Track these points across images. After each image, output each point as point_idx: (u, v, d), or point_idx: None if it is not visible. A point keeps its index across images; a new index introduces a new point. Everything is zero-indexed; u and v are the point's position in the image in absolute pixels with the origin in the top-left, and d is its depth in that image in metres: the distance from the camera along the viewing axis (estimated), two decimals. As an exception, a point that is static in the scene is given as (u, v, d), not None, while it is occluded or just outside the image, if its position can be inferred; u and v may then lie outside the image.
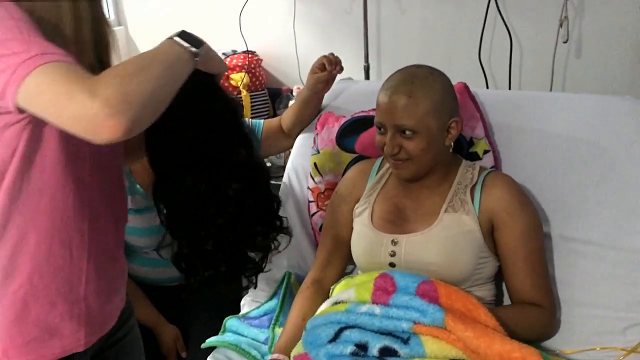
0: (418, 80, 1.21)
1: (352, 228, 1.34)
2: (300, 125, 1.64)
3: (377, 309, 1.13)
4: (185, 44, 0.95)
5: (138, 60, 0.88)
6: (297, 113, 1.62)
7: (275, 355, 1.23)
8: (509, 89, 1.91)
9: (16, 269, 0.98)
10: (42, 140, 0.92)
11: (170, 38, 0.95)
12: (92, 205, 1.02)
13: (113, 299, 1.11)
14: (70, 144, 0.94)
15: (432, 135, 1.20)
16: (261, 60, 2.34)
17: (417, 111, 1.18)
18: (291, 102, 2.16)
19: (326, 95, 1.65)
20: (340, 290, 1.23)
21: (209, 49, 1.01)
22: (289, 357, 1.20)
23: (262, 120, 1.65)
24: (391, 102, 1.19)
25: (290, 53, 2.27)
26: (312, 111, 1.63)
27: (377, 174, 1.38)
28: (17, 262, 0.98)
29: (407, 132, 1.19)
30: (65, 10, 0.92)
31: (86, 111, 0.78)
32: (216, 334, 1.39)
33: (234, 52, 2.30)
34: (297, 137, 1.65)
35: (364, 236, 1.29)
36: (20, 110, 0.84)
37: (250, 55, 2.29)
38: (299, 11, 2.21)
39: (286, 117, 1.64)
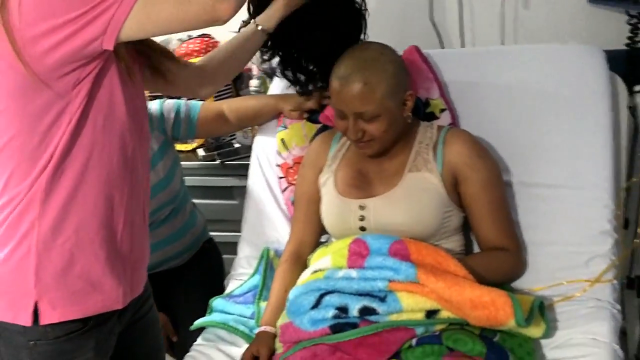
0: (370, 64, 1.23)
1: (320, 198, 1.38)
2: (251, 123, 1.65)
3: (354, 273, 1.18)
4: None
5: None
6: (254, 115, 1.60)
7: (262, 328, 1.28)
8: (462, 46, 1.95)
9: (65, 220, 1.06)
10: (96, 98, 1.03)
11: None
12: (131, 164, 1.11)
13: (141, 266, 1.20)
14: (117, 103, 1.06)
15: (391, 114, 1.24)
16: (217, 42, 2.34)
17: (375, 96, 1.21)
18: (252, 82, 2.17)
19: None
20: (318, 259, 1.28)
21: None
22: (276, 327, 1.25)
23: (200, 104, 1.61)
24: (348, 91, 1.21)
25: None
26: (271, 118, 1.62)
27: (338, 142, 1.42)
28: (67, 214, 1.06)
29: (368, 117, 1.23)
30: None
31: (205, 6, 0.96)
32: (203, 315, 1.43)
33: (189, 37, 2.29)
34: (242, 127, 1.65)
35: (332, 204, 1.34)
36: (98, 56, 0.99)
37: (206, 39, 2.28)
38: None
39: (236, 108, 1.60)
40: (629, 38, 1.79)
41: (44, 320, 1.07)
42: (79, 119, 1.03)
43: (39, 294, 1.07)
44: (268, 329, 1.27)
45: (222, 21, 0.99)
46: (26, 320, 1.07)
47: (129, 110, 1.09)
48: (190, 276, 1.65)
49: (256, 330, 1.29)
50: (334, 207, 1.33)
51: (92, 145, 1.06)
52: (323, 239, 1.47)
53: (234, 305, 1.44)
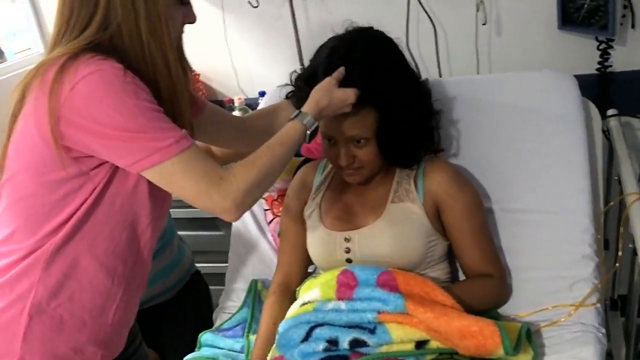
0: None
1: (305, 229, 1.40)
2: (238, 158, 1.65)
3: (343, 305, 1.19)
4: (305, 120, 1.13)
5: (270, 159, 1.08)
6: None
7: None
8: (440, 76, 1.99)
9: (62, 287, 1.07)
10: (116, 179, 1.06)
11: (298, 118, 1.12)
12: (141, 242, 1.13)
13: (126, 330, 1.20)
14: (140, 187, 1.08)
15: None
16: (199, 75, 2.36)
17: (367, 121, 1.23)
18: (235, 113, 2.19)
19: (268, 103, 1.69)
20: (306, 291, 1.28)
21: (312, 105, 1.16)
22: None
23: None
24: (339, 116, 1.21)
25: (226, 64, 2.30)
26: None
27: (322, 174, 1.43)
28: (66, 281, 1.07)
29: (361, 141, 1.24)
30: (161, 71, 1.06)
31: (217, 207, 1.02)
32: (193, 350, 1.43)
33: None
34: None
35: (318, 237, 1.35)
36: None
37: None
38: (228, 22, 2.24)
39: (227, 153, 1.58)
40: (599, 63, 1.86)
41: None
42: (96, 198, 1.05)
43: (22, 356, 1.06)
44: None
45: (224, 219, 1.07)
46: None
47: (152, 193, 1.09)
48: (179, 310, 1.64)
49: None
50: (319, 239, 1.34)
51: (105, 222, 1.07)
52: (310, 269, 1.47)
53: (223, 340, 1.43)
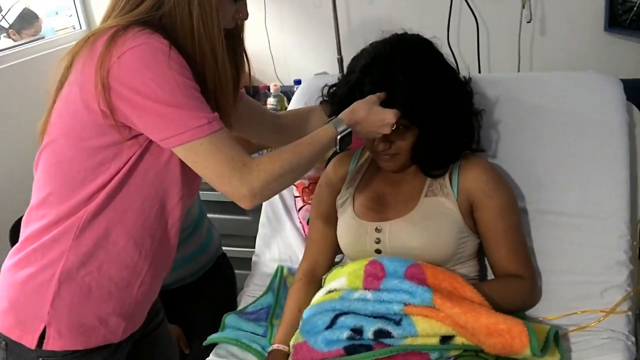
0: None
1: (337, 219, 1.39)
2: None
3: (369, 294, 1.18)
4: (339, 127, 1.12)
5: (296, 156, 1.08)
6: None
7: (275, 346, 1.28)
8: (479, 72, 1.96)
9: (92, 256, 1.09)
10: (149, 152, 1.08)
11: (332, 122, 1.12)
12: (169, 217, 1.15)
13: (148, 305, 1.22)
14: (173, 162, 1.10)
15: None
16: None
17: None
18: (269, 100, 2.19)
19: (304, 92, 1.69)
20: (333, 279, 1.28)
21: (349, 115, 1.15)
22: (289, 346, 1.25)
23: None
24: None
25: (264, 50, 2.30)
26: None
27: (356, 164, 1.43)
28: (96, 251, 1.10)
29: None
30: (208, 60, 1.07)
31: (235, 193, 1.04)
32: (216, 331, 1.44)
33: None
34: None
35: (349, 226, 1.34)
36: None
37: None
38: (269, 8, 2.24)
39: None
40: (645, 68, 1.81)
41: (48, 346, 1.09)
42: (130, 168, 1.07)
43: (50, 321, 1.09)
44: (281, 347, 1.27)
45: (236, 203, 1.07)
46: (31, 343, 1.09)
47: (184, 170, 1.11)
48: (204, 291, 1.66)
49: (269, 349, 1.30)
50: (350, 228, 1.34)
51: (137, 194, 1.10)
52: (337, 259, 1.47)
53: (246, 323, 1.44)
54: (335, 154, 1.54)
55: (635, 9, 1.71)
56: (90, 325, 1.11)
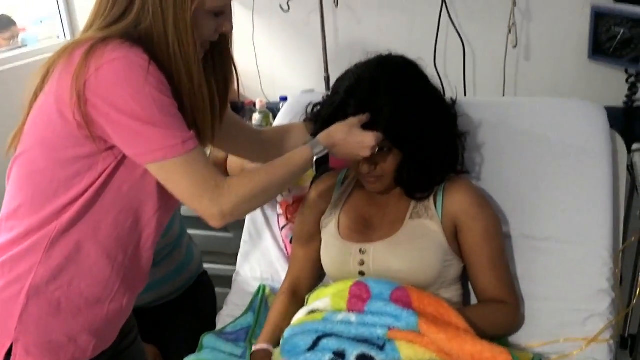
0: None
1: (321, 239, 1.38)
2: None
3: (353, 317, 1.17)
4: (316, 149, 1.11)
5: (270, 177, 1.08)
6: None
7: (258, 346, 1.26)
8: (465, 94, 1.98)
9: (63, 270, 1.07)
10: (124, 165, 1.06)
11: (309, 144, 1.11)
12: (143, 231, 1.13)
13: (120, 321, 1.19)
14: (150, 184, 1.08)
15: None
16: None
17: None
18: (255, 116, 2.18)
19: (290, 108, 1.68)
20: (317, 299, 1.26)
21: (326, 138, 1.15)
22: (272, 345, 1.24)
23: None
24: None
25: (250, 66, 2.30)
26: None
27: (342, 185, 1.42)
28: (67, 265, 1.07)
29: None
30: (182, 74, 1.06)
31: (205, 212, 1.04)
32: (194, 350, 1.41)
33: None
34: None
35: (333, 247, 1.33)
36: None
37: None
38: (257, 25, 2.24)
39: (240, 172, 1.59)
40: (627, 96, 1.84)
41: None
42: (105, 180, 1.05)
43: (17, 337, 1.06)
44: (265, 346, 1.26)
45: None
46: None
47: (160, 184, 1.08)
48: (183, 310, 1.63)
49: (254, 348, 1.28)
50: (334, 249, 1.33)
51: (112, 206, 1.07)
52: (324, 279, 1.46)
53: (225, 343, 1.41)
54: (321, 173, 1.53)
55: (618, 37, 1.74)
56: (59, 342, 1.08)
